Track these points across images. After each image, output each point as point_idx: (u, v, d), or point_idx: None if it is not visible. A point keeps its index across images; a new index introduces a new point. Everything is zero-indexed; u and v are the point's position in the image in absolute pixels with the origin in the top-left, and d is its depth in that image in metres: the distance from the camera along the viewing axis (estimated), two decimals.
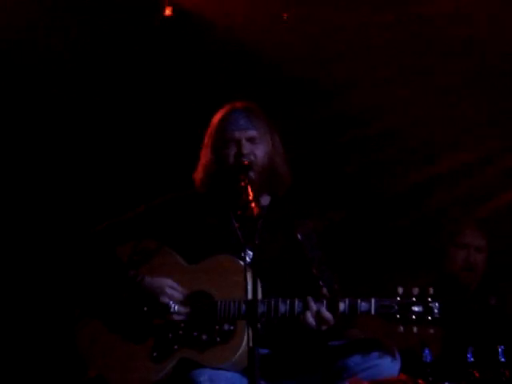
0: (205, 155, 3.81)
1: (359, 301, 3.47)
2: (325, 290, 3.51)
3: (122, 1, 5.15)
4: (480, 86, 5.21)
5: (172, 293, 3.62)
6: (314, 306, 3.48)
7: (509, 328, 4.59)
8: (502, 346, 3.98)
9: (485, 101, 5.25)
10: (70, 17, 5.12)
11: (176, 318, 3.61)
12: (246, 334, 3.50)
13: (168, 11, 5.32)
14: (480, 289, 4.81)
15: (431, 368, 3.97)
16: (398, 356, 3.57)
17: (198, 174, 3.82)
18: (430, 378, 3.94)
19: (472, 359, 3.98)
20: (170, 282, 3.64)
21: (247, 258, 3.58)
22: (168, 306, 3.61)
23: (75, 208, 5.24)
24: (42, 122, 5.32)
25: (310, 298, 3.49)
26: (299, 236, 3.70)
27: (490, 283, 4.81)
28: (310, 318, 3.47)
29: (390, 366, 3.53)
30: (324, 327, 3.49)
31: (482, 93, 5.21)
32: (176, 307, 3.61)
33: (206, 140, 3.83)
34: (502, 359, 3.97)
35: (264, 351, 3.58)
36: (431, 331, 3.40)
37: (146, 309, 3.64)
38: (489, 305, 4.63)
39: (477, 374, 3.98)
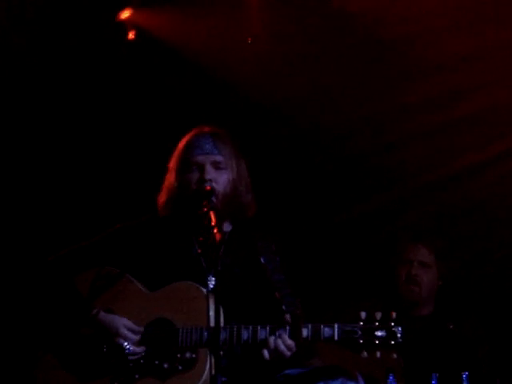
0: (169, 179, 3.77)
1: (322, 326, 3.43)
2: (288, 316, 3.48)
3: (86, 24, 5.12)
4: None
5: (126, 334, 3.56)
6: (273, 341, 3.43)
7: (469, 353, 4.60)
8: (466, 372, 3.98)
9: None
10: (30, 40, 5.08)
11: (131, 358, 3.56)
12: (208, 361, 3.45)
13: (131, 35, 5.31)
14: (436, 313, 4.81)
15: None
16: (361, 381, 3.54)
17: (161, 198, 3.78)
18: None
19: None
20: (125, 321, 3.58)
21: (209, 285, 3.53)
22: (122, 348, 3.56)
23: (32, 235, 5.15)
24: None
25: (271, 327, 3.44)
26: (262, 260, 3.68)
27: (448, 308, 4.81)
28: (270, 353, 3.43)
29: None
30: (287, 355, 3.44)
31: None
32: (131, 348, 3.55)
33: (171, 163, 3.79)
34: None
35: (228, 379, 3.52)
36: (394, 356, 3.38)
37: (104, 347, 3.58)
38: (447, 329, 4.64)
39: None
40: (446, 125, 5.24)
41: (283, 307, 3.57)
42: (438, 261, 4.79)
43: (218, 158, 3.70)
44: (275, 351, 3.42)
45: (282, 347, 3.42)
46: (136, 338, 3.56)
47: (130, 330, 3.57)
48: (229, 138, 3.77)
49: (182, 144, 3.77)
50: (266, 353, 3.43)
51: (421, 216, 5.31)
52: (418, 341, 4.56)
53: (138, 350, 3.55)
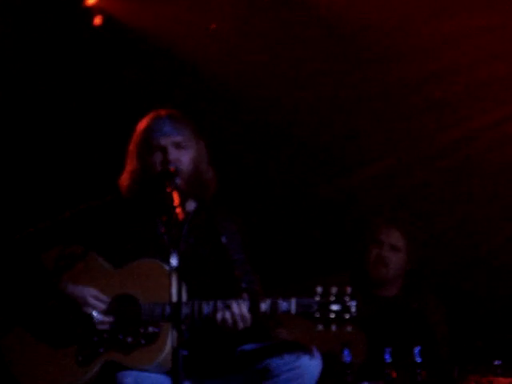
0: (131, 162, 3.86)
1: (280, 301, 3.57)
2: (247, 292, 3.62)
3: (51, 10, 5.16)
4: None
5: (94, 303, 3.67)
6: (234, 306, 3.57)
7: (427, 330, 4.76)
8: (419, 347, 4.13)
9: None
10: None
11: (99, 327, 3.66)
12: (170, 335, 3.57)
13: (97, 20, 5.35)
14: (401, 295, 4.96)
15: (350, 369, 4.11)
16: (317, 354, 3.68)
17: (125, 181, 3.87)
18: (349, 379, 4.09)
19: (390, 360, 4.13)
20: (92, 291, 3.69)
21: (173, 263, 3.65)
22: (90, 317, 3.66)
23: None
24: None
25: (230, 299, 3.59)
26: (224, 239, 3.80)
27: (413, 288, 4.97)
28: (228, 316, 3.57)
29: (309, 363, 3.63)
30: (241, 326, 3.57)
31: None
32: (99, 317, 3.66)
33: (132, 147, 3.88)
34: (418, 360, 4.12)
35: (188, 352, 3.65)
36: (349, 329, 3.53)
37: (70, 317, 3.68)
38: (411, 308, 4.80)
39: (394, 375, 4.13)
40: (417, 107, 5.36)
41: (243, 285, 3.70)
42: (409, 246, 4.94)
43: (179, 138, 3.80)
44: (236, 316, 3.56)
45: (243, 312, 3.56)
46: (103, 306, 3.67)
47: (97, 299, 3.68)
48: (186, 119, 3.87)
49: (140, 128, 3.87)
50: (227, 315, 3.56)
51: (393, 196, 5.44)
52: (379, 320, 4.71)
53: (107, 319, 3.66)
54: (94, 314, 3.67)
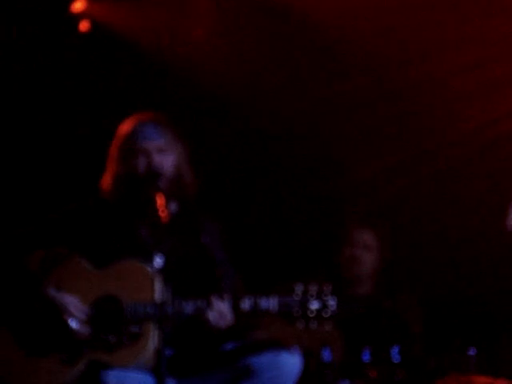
0: (113, 165, 3.91)
1: (260, 299, 3.65)
2: (227, 291, 3.69)
3: (36, 15, 5.22)
4: None
5: (74, 312, 3.71)
6: (215, 304, 3.64)
7: (401, 329, 4.84)
8: (397, 347, 4.21)
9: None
10: None
11: (77, 337, 3.71)
12: (152, 334, 3.64)
13: (84, 26, 5.40)
14: (375, 294, 5.04)
15: (330, 368, 4.18)
16: (297, 352, 3.74)
17: (107, 184, 3.93)
18: (329, 378, 4.16)
19: (368, 359, 4.21)
20: (73, 300, 3.73)
21: (155, 264, 3.72)
22: (69, 326, 3.71)
23: None
24: None
25: (212, 297, 3.66)
26: (204, 239, 3.87)
27: (385, 288, 5.05)
28: (212, 315, 3.64)
29: (289, 361, 3.70)
30: (222, 324, 3.65)
31: None
32: (77, 327, 3.71)
33: (114, 151, 3.93)
34: (396, 359, 4.20)
35: (171, 351, 3.72)
36: (327, 328, 3.60)
37: (50, 323, 3.73)
38: (383, 308, 4.88)
39: (372, 374, 4.21)
40: (397, 114, 5.46)
41: (224, 284, 3.78)
42: (382, 245, 5.05)
43: (161, 142, 3.87)
44: (218, 313, 3.64)
45: (227, 312, 3.64)
46: (83, 317, 3.72)
47: (77, 309, 3.73)
48: (168, 122, 3.94)
49: (123, 132, 3.92)
50: (210, 314, 3.63)
51: (369, 202, 5.53)
52: (352, 318, 4.79)
53: (84, 329, 3.71)
54: (72, 323, 3.72)
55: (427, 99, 5.40)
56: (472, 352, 4.30)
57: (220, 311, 3.64)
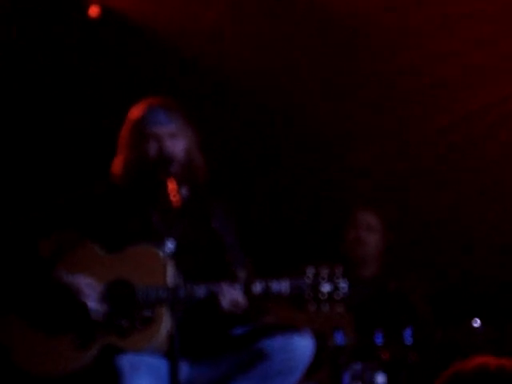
0: (124, 151, 3.92)
1: (272, 282, 3.67)
2: (239, 274, 3.71)
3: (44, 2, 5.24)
4: None
5: (88, 291, 3.73)
6: (227, 291, 3.66)
7: (411, 311, 4.85)
8: (409, 329, 4.21)
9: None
10: None
11: (94, 316, 3.73)
12: (165, 318, 3.66)
13: (93, 11, 5.40)
14: (380, 275, 5.06)
15: (342, 351, 4.19)
16: (308, 334, 3.76)
17: (118, 169, 3.93)
18: (341, 361, 4.17)
19: (380, 342, 4.21)
20: (87, 279, 3.74)
21: (167, 248, 3.74)
22: (85, 306, 3.73)
23: None
24: None
25: (223, 283, 3.68)
26: (214, 223, 3.88)
27: (391, 270, 5.07)
28: (225, 303, 3.65)
29: (302, 343, 3.71)
30: (238, 310, 3.67)
31: None
32: (93, 306, 3.73)
33: (124, 136, 3.93)
34: (409, 342, 4.21)
35: (183, 335, 3.73)
36: (339, 310, 3.61)
37: (65, 306, 3.74)
38: (388, 290, 4.89)
39: (385, 356, 4.21)
40: (399, 96, 5.45)
41: (235, 268, 3.79)
42: (386, 226, 5.07)
43: (172, 127, 3.87)
44: (231, 301, 3.66)
45: (239, 297, 3.66)
46: (97, 295, 3.74)
47: (91, 287, 3.75)
48: (179, 107, 3.94)
49: (133, 117, 3.92)
50: (223, 300, 3.65)
51: (371, 183, 5.54)
52: (360, 300, 4.80)
53: (100, 307, 3.73)
54: (88, 302, 3.74)
55: (428, 81, 5.38)
56: (477, 324, 4.31)
57: (233, 298, 3.66)
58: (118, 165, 3.94)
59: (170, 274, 3.59)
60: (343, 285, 3.62)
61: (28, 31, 5.26)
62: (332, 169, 5.62)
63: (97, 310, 3.74)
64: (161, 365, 3.65)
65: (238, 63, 5.44)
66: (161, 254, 3.72)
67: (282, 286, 3.66)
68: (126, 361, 3.65)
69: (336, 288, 3.62)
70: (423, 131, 5.51)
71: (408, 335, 4.18)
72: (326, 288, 3.62)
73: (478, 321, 4.31)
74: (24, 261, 3.82)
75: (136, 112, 3.94)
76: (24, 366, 3.76)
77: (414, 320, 4.69)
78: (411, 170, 5.55)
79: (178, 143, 3.87)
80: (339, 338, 4.17)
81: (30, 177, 5.37)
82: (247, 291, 3.67)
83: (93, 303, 3.74)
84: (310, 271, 3.64)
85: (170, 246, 3.74)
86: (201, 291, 3.68)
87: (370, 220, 5.05)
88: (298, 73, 5.45)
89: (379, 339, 4.20)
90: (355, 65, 5.39)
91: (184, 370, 3.65)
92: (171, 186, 3.68)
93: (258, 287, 3.67)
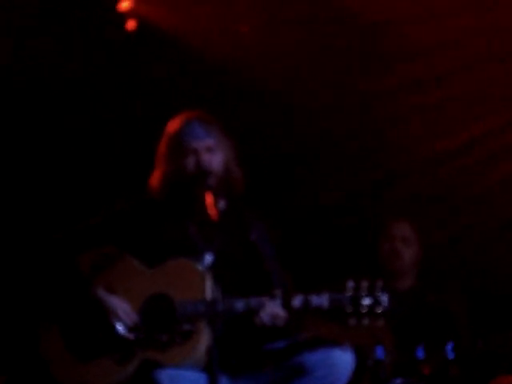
0: (162, 164, 3.93)
1: (311, 296, 3.64)
2: (278, 288, 3.68)
3: (83, 14, 5.27)
4: None
5: (123, 317, 3.73)
6: (267, 304, 3.64)
7: (450, 322, 4.79)
8: (451, 343, 4.16)
9: None
10: (27, 29, 5.23)
11: (122, 341, 3.72)
12: (204, 333, 3.64)
13: (131, 25, 5.43)
14: (417, 287, 5.00)
15: (382, 365, 4.15)
16: (348, 348, 3.72)
17: (156, 183, 3.93)
18: (382, 375, 4.13)
19: (422, 356, 4.16)
20: (124, 304, 3.75)
21: (206, 262, 3.73)
22: (116, 330, 3.73)
23: (30, 216, 5.33)
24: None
25: (264, 298, 3.65)
26: (252, 236, 3.87)
27: (428, 282, 5.01)
28: (266, 317, 3.64)
29: (342, 358, 3.68)
30: (279, 324, 3.65)
31: None
32: (123, 332, 3.73)
33: (162, 150, 3.94)
34: (450, 355, 4.16)
35: (222, 349, 3.71)
36: (380, 323, 3.57)
37: (98, 324, 3.75)
38: (426, 302, 4.84)
39: (426, 371, 4.16)
40: (433, 105, 5.40)
41: (273, 281, 3.77)
42: (420, 237, 5.02)
43: (210, 141, 3.88)
44: (272, 315, 3.64)
45: (279, 311, 3.64)
46: (130, 323, 3.74)
47: (126, 314, 3.75)
48: (216, 121, 3.95)
49: (171, 130, 3.93)
50: (263, 315, 3.63)
51: (406, 194, 5.50)
52: (400, 314, 4.75)
53: (130, 335, 3.73)
54: (119, 328, 3.74)
55: (470, 87, 5.33)
56: None
57: (273, 312, 3.64)
58: (155, 179, 3.95)
59: (209, 288, 3.57)
60: (384, 298, 3.59)
61: (69, 45, 5.31)
62: (366, 179, 5.59)
63: (126, 336, 3.73)
64: (200, 379, 3.63)
65: (271, 75, 5.43)
66: (199, 267, 3.72)
67: (322, 299, 3.63)
68: (165, 375, 3.64)
69: (377, 301, 3.59)
70: (459, 139, 5.46)
71: (449, 349, 4.13)
72: (366, 301, 3.60)
73: None
74: (63, 276, 3.84)
75: (173, 126, 3.95)
76: (63, 379, 3.78)
77: (454, 332, 4.63)
78: (446, 178, 5.50)
79: (215, 157, 3.88)
80: (380, 353, 4.13)
81: (70, 192, 5.41)
82: (286, 305, 3.65)
83: (123, 329, 3.74)
84: (350, 285, 3.62)
85: (208, 259, 3.74)
86: (240, 305, 3.67)
87: (404, 232, 5.01)
88: (332, 84, 5.43)
89: (420, 353, 4.15)
90: (398, 70, 5.36)
91: None
92: (209, 199, 3.69)
93: (297, 301, 3.65)
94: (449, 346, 4.14)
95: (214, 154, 3.87)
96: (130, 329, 3.73)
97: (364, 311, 3.58)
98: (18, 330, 4.92)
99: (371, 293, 3.61)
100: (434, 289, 4.93)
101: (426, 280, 5.01)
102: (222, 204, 3.92)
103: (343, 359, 3.69)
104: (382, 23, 5.20)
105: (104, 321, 3.74)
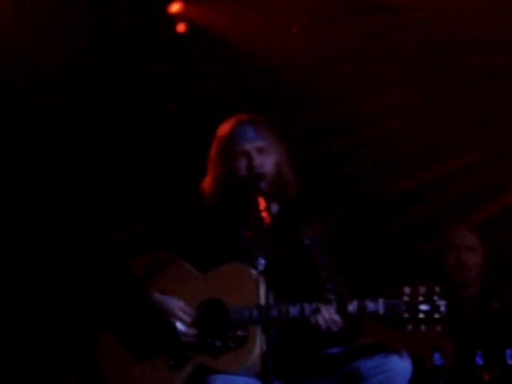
0: (213, 168, 3.90)
1: (367, 301, 3.58)
2: (333, 293, 3.62)
3: (135, 18, 5.29)
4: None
5: (181, 315, 3.71)
6: (323, 310, 3.58)
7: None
8: (511, 349, 4.06)
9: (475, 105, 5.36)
10: (80, 33, 5.27)
11: (183, 339, 3.70)
12: (258, 338, 3.60)
13: (181, 28, 5.44)
14: (482, 293, 4.89)
15: (441, 372, 4.06)
16: (405, 355, 3.65)
17: (208, 187, 3.91)
18: (440, 382, 4.04)
19: (481, 362, 4.07)
20: (179, 303, 3.73)
21: (259, 266, 3.69)
22: (175, 328, 3.71)
23: (84, 222, 5.36)
24: (49, 135, 5.46)
25: (320, 305, 3.59)
26: (306, 241, 3.81)
27: (492, 287, 4.89)
28: (321, 321, 3.58)
29: (400, 365, 3.61)
30: (335, 329, 3.59)
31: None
32: (183, 329, 3.70)
33: (214, 153, 3.91)
34: (511, 362, 4.05)
35: (277, 355, 3.66)
36: (438, 329, 3.50)
37: (156, 327, 3.73)
38: (491, 309, 4.72)
39: (486, 377, 4.06)
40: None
41: (328, 286, 3.70)
42: (483, 243, 4.89)
43: (261, 143, 3.83)
44: (328, 318, 3.58)
45: (334, 316, 3.58)
46: (189, 319, 3.71)
47: (183, 311, 3.72)
48: (267, 123, 3.91)
49: (222, 134, 3.90)
50: (319, 319, 3.57)
51: (462, 197, 5.40)
52: (463, 321, 4.65)
53: (191, 331, 3.70)
54: (179, 325, 3.71)
55: None
56: None
57: (329, 317, 3.58)
58: (207, 183, 3.92)
59: (262, 293, 3.52)
60: (441, 304, 3.51)
61: (123, 48, 5.35)
62: (426, 187, 5.50)
63: (186, 334, 3.71)
64: None
65: (321, 76, 5.39)
66: (253, 272, 3.67)
67: (378, 305, 3.57)
68: (218, 381, 3.61)
69: (434, 307, 3.52)
70: None
71: (510, 355, 4.02)
72: (424, 307, 3.52)
73: None
74: (117, 281, 3.83)
75: (224, 129, 3.91)
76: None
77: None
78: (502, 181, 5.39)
79: (267, 159, 3.83)
80: (437, 359, 4.05)
81: (124, 197, 5.43)
82: (341, 310, 3.59)
83: (183, 327, 3.71)
84: (408, 291, 3.55)
85: (261, 263, 3.69)
86: (294, 310, 3.61)
87: (469, 240, 4.89)
88: (390, 85, 5.36)
89: (480, 360, 4.05)
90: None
91: None
92: (261, 202, 3.64)
93: (352, 306, 3.59)
94: (509, 352, 4.03)
95: (265, 157, 3.82)
96: (188, 324, 3.70)
97: (421, 317, 3.52)
98: (78, 336, 4.94)
99: (429, 299, 3.54)
100: (497, 295, 4.80)
101: (490, 287, 4.90)
102: (274, 208, 3.87)
103: (400, 366, 3.61)
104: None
105: (162, 321, 3.72)
